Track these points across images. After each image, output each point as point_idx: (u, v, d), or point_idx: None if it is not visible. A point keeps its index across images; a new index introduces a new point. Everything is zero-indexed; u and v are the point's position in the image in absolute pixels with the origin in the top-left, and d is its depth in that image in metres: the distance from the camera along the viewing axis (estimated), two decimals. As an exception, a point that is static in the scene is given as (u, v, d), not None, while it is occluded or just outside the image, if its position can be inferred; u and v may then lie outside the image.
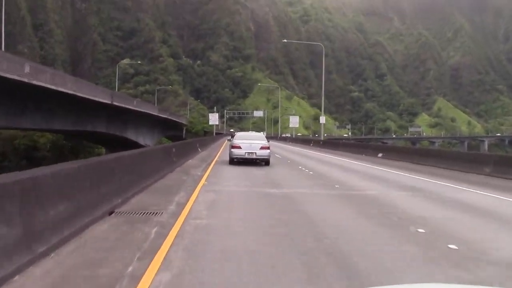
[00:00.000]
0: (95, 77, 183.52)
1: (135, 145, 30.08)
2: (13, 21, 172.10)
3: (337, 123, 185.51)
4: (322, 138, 50.35)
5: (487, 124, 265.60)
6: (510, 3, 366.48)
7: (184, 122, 66.33)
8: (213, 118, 67.92)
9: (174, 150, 16.93)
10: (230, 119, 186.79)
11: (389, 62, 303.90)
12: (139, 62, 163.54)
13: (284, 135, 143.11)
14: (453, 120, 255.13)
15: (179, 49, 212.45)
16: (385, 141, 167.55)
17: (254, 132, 32.28)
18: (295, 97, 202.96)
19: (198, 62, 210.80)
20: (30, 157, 38.79)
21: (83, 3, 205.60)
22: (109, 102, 27.10)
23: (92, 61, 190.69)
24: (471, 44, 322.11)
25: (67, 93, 22.04)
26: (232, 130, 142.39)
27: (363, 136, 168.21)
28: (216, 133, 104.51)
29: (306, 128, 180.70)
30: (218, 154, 26.77)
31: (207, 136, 63.16)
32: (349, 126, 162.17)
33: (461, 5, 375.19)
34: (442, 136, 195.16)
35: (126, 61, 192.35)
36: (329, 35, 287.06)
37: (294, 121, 74.78)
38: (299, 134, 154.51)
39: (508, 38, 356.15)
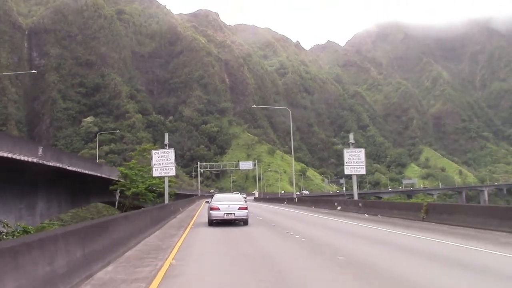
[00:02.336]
0: (54, 137, 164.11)
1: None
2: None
3: (326, 179, 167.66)
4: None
5: (478, 172, 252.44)
6: (484, 49, 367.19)
7: (114, 177, 36.34)
8: (162, 163, 29.25)
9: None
10: (207, 178, 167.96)
11: (370, 112, 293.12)
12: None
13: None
14: (443, 169, 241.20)
15: (148, 105, 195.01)
16: (380, 195, 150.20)
17: (232, 193, 29.76)
18: (277, 151, 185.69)
19: (170, 118, 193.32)
20: None
21: (42, 59, 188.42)
22: None
23: (51, 121, 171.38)
24: (451, 92, 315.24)
25: None
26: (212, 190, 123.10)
27: (359, 192, 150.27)
28: (181, 195, 69.32)
29: (292, 184, 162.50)
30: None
31: (157, 206, 26.53)
32: (343, 181, 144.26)
33: (436, 53, 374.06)
34: (440, 187, 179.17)
35: (89, 119, 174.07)
36: (307, 87, 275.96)
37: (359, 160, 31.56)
38: (282, 191, 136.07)
39: (485, 85, 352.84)
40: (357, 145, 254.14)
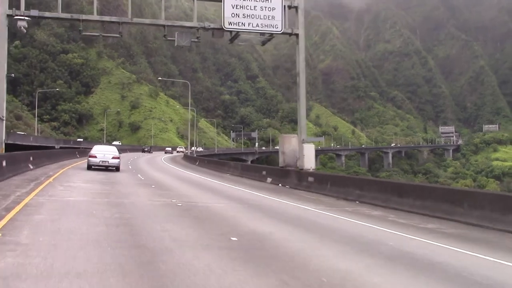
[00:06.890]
0: None
1: None
2: None
3: (232, 132, 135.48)
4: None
5: (368, 133, 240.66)
6: (370, 9, 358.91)
7: None
8: None
9: None
10: (65, 123, 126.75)
11: (259, 62, 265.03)
12: None
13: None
14: (335, 128, 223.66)
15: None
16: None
17: (108, 146, 35.61)
18: (161, 93, 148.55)
19: (17, 42, 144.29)
20: None
21: None
22: None
23: None
24: (342, 48, 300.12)
25: None
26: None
27: (270, 149, 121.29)
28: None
29: (182, 136, 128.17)
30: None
31: None
32: (255, 134, 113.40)
33: (324, 9, 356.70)
34: (350, 147, 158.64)
35: None
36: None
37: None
38: (168, 148, 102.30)
39: (370, 46, 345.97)
40: (246, 96, 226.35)
